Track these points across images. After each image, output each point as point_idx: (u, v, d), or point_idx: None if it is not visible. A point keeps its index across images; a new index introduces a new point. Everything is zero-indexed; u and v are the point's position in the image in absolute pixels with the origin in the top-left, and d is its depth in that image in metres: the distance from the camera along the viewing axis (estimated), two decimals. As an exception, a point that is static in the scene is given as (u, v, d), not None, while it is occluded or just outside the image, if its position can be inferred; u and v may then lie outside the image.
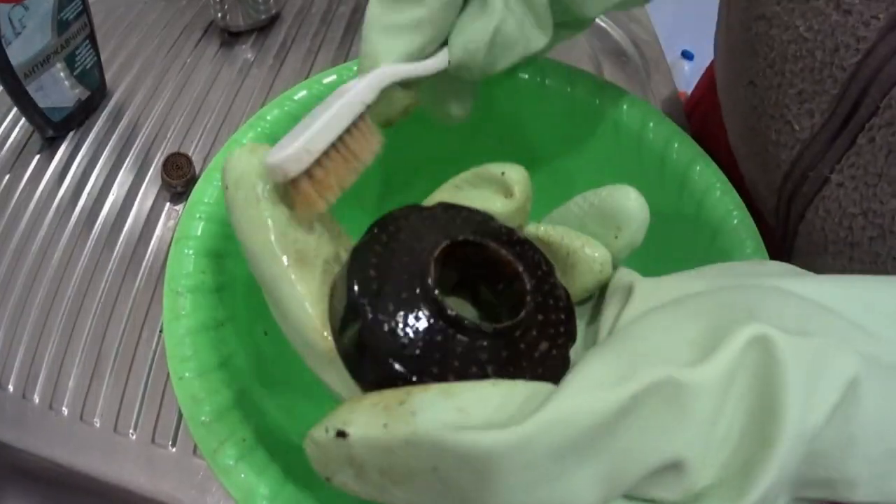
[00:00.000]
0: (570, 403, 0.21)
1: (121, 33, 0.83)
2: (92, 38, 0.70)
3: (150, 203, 0.68)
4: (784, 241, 0.49)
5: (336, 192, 0.29)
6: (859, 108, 0.40)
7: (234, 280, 0.43)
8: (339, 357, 0.27)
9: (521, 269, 0.29)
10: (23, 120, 0.72)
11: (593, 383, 0.22)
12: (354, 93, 0.31)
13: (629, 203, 0.32)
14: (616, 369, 0.23)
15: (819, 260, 0.46)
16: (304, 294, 0.28)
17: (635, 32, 0.92)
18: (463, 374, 0.25)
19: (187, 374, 0.37)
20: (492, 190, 0.34)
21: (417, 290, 0.27)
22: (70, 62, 0.68)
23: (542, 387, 0.23)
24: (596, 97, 0.50)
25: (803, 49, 0.43)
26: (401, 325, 0.26)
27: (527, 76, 0.51)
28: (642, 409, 0.22)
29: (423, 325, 0.26)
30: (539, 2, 0.38)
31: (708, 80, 0.78)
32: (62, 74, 0.68)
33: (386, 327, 0.26)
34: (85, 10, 0.67)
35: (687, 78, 2.24)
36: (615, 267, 0.32)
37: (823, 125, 0.42)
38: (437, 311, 0.27)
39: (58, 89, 0.68)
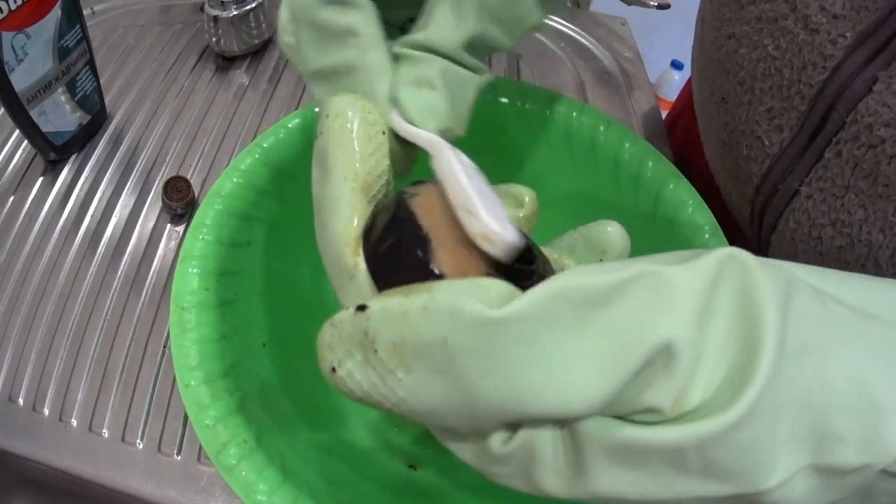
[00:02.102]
0: (564, 281, 0.22)
1: (119, 58, 0.85)
2: (91, 63, 0.72)
3: (151, 224, 0.69)
4: (758, 251, 0.50)
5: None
6: (826, 123, 0.41)
7: (236, 296, 0.45)
8: (360, 273, 0.30)
9: (531, 245, 0.32)
10: (25, 143, 0.74)
11: (586, 270, 0.23)
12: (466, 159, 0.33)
13: (611, 232, 0.36)
14: (603, 267, 0.24)
15: (791, 268, 0.47)
16: (352, 214, 0.31)
17: (618, 50, 0.94)
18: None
19: (193, 382, 0.39)
20: (505, 201, 0.38)
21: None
22: (71, 87, 0.70)
23: None
24: (573, 119, 0.53)
25: (772, 67, 0.44)
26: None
27: (507, 100, 0.54)
28: (631, 291, 0.23)
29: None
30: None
31: (687, 96, 0.79)
32: (63, 99, 0.69)
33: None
34: (84, 36, 0.68)
35: (676, 87, 2.26)
36: None
37: (792, 140, 0.44)
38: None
39: (59, 114, 0.70)
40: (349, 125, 0.32)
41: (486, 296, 0.23)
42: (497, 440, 0.25)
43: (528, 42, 0.93)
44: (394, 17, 0.42)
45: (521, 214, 0.37)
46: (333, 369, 0.26)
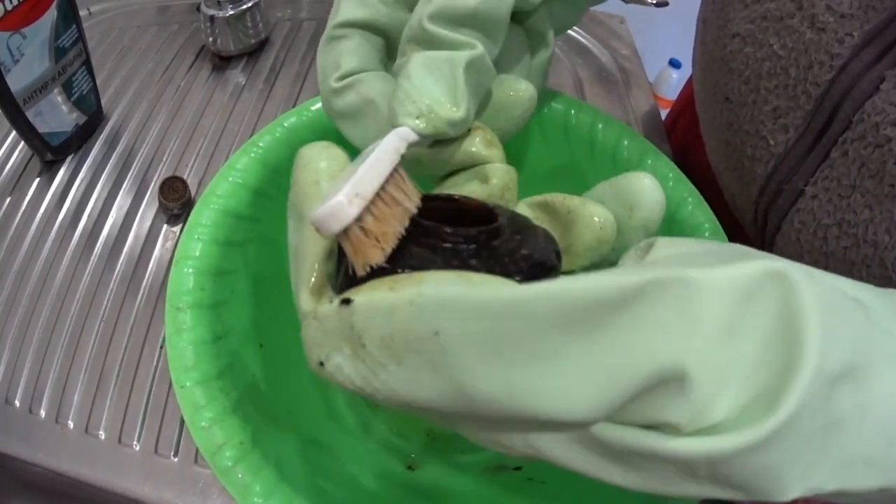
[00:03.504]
0: (571, 282, 0.21)
1: (115, 59, 0.85)
2: (88, 64, 0.71)
3: (148, 225, 0.69)
4: None
5: (392, 239, 0.29)
6: (832, 122, 0.41)
7: (231, 297, 0.45)
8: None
9: (491, 206, 0.31)
10: (22, 144, 0.74)
11: (599, 275, 0.22)
12: (388, 142, 0.32)
13: (643, 183, 0.33)
14: (623, 271, 0.23)
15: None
16: (313, 261, 0.31)
17: (616, 48, 0.93)
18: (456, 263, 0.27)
19: (188, 384, 0.39)
20: (470, 177, 0.37)
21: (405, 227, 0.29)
22: (67, 88, 0.69)
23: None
24: (571, 116, 0.53)
25: (777, 66, 0.44)
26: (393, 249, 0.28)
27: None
28: (645, 303, 0.22)
29: (410, 243, 0.28)
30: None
31: (688, 95, 0.79)
32: (60, 100, 0.69)
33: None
34: (81, 37, 0.68)
35: (674, 85, 2.26)
36: (628, 247, 0.32)
37: (797, 140, 0.43)
38: (421, 229, 0.29)
39: (56, 114, 0.69)
40: (317, 176, 0.32)
41: (473, 286, 0.22)
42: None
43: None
44: None
45: (486, 192, 0.36)
46: (321, 363, 0.25)
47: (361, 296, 0.24)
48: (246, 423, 0.39)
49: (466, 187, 0.37)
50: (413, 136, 0.34)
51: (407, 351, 0.23)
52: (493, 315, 0.21)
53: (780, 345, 0.23)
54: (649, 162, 0.50)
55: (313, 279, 0.31)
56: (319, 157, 0.32)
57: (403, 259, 0.28)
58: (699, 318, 0.22)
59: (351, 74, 0.39)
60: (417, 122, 0.34)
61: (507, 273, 0.27)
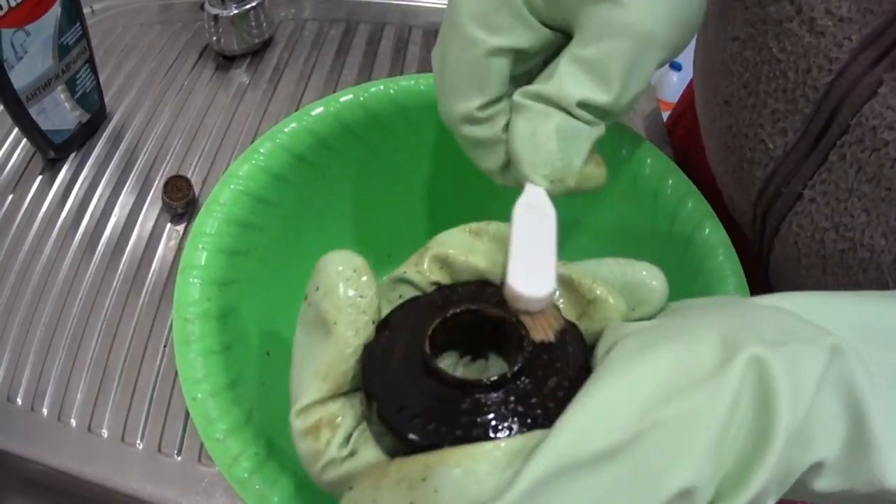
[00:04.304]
0: (572, 446, 0.23)
1: (118, 57, 0.85)
2: (91, 61, 0.71)
3: (151, 224, 0.69)
4: (760, 255, 0.50)
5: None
6: (831, 126, 0.41)
7: (237, 306, 0.45)
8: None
9: (513, 319, 0.31)
10: (24, 141, 0.74)
11: (590, 420, 0.24)
12: (549, 209, 0.35)
13: (655, 286, 0.33)
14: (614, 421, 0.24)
15: (794, 272, 0.47)
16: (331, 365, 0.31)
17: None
18: (474, 428, 0.27)
19: (200, 395, 0.39)
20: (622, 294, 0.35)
21: (420, 368, 0.29)
22: (71, 85, 0.70)
23: (544, 435, 0.24)
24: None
25: (776, 70, 0.44)
26: (410, 402, 0.28)
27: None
28: (650, 439, 0.23)
29: (428, 396, 0.28)
30: None
31: (689, 97, 0.79)
32: (63, 97, 0.69)
33: (398, 406, 0.28)
34: (84, 34, 0.68)
35: (675, 87, 2.26)
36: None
37: (796, 143, 0.43)
38: (439, 380, 0.28)
39: (59, 112, 0.70)
40: (341, 286, 0.31)
41: (483, 492, 0.23)
42: None
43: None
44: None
45: (637, 314, 0.34)
46: None
47: (357, 488, 0.25)
48: (260, 434, 0.39)
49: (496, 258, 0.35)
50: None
51: None
52: None
53: (757, 425, 0.24)
54: (670, 182, 0.49)
55: (316, 395, 0.30)
56: (344, 264, 0.32)
57: (436, 423, 0.27)
58: (701, 441, 0.23)
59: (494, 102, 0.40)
60: (551, 184, 0.38)
61: (534, 418, 0.27)
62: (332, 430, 0.29)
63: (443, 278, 0.34)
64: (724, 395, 0.24)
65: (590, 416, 0.24)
